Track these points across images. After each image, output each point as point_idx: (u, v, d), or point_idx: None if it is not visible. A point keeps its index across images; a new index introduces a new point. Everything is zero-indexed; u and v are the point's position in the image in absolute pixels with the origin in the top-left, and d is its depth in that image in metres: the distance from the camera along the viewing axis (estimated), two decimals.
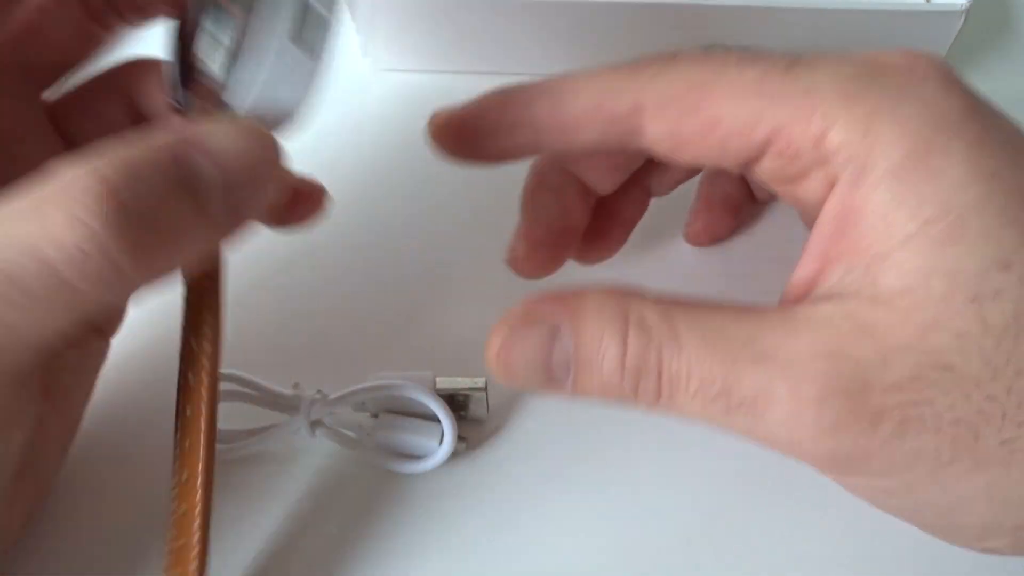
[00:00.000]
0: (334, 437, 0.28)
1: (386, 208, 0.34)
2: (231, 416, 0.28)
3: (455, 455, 0.28)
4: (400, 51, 0.38)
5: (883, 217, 0.20)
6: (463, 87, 0.37)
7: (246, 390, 0.28)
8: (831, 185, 0.21)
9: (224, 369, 0.27)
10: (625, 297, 0.21)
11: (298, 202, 0.26)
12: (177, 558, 0.23)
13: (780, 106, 0.21)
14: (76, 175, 0.19)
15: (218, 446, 0.27)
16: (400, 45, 0.37)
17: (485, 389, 0.28)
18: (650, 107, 0.23)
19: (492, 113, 0.25)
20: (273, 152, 0.22)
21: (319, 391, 0.28)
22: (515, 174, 0.36)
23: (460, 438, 0.28)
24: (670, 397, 0.21)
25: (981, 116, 0.21)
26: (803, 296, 0.22)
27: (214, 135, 0.21)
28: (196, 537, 0.23)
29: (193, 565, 0.23)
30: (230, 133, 0.21)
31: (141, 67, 0.27)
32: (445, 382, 0.28)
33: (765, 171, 0.23)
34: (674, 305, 0.21)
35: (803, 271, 0.22)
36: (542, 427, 0.29)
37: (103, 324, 0.27)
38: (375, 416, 0.28)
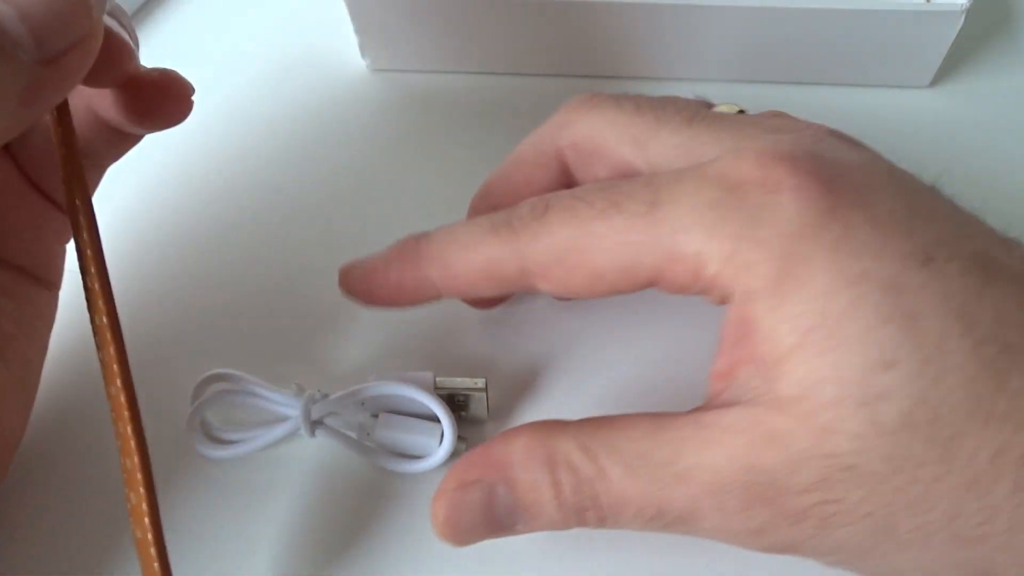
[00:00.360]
0: (334, 437, 0.28)
1: (384, 207, 0.34)
2: (230, 417, 0.29)
3: (455, 455, 0.28)
4: (398, 51, 0.38)
5: (770, 330, 0.21)
6: (462, 87, 0.38)
7: (245, 390, 0.28)
8: (724, 299, 0.23)
9: (222, 369, 0.27)
10: (547, 439, 0.23)
11: (156, 95, 0.26)
12: (132, 509, 0.23)
13: (650, 252, 0.23)
14: None
15: (218, 450, 0.28)
16: (398, 45, 0.37)
17: (485, 390, 0.28)
18: (537, 271, 0.24)
19: (392, 279, 0.26)
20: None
21: (319, 391, 0.28)
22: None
23: (460, 438, 0.28)
24: (615, 520, 0.23)
25: (843, 212, 0.21)
26: (722, 389, 0.23)
27: None
28: (142, 488, 0.23)
29: (139, 483, 0.23)
30: None
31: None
32: (445, 382, 0.28)
33: (668, 292, 0.24)
34: (595, 434, 0.23)
35: (719, 366, 0.23)
36: None
37: (39, 272, 0.27)
38: (375, 416, 0.28)
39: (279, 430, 0.28)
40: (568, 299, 0.31)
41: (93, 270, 0.24)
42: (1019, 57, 0.38)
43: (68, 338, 0.29)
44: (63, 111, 0.24)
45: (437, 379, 0.28)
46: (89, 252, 0.24)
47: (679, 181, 0.23)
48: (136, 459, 0.23)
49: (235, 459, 0.28)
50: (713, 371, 0.23)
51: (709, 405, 0.23)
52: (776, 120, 0.25)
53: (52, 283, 0.28)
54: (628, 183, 0.24)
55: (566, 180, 0.28)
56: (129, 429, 0.23)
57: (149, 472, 0.23)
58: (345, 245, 0.28)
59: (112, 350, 0.23)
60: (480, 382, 0.28)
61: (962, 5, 0.34)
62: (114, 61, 0.24)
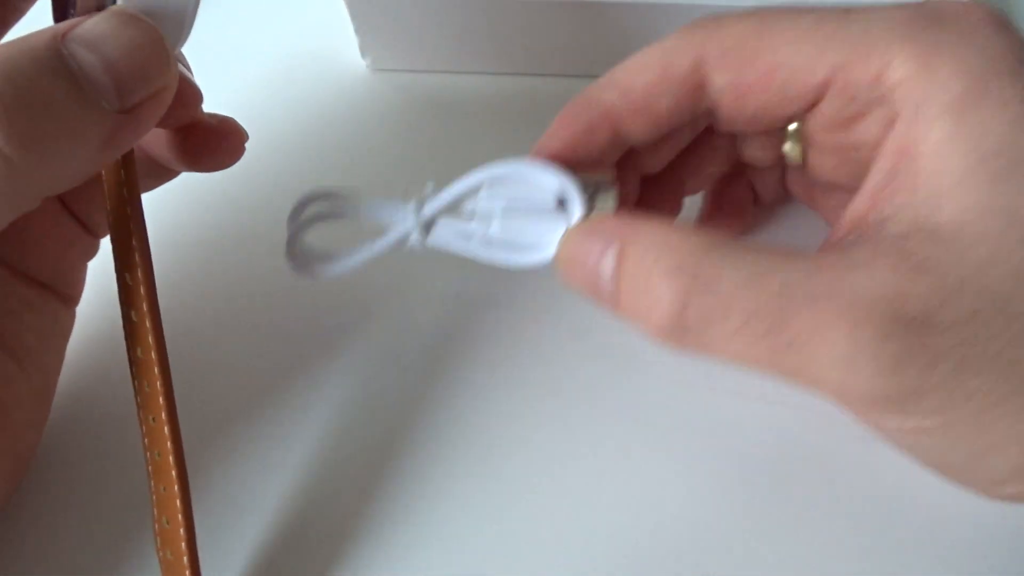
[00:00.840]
0: (450, 238, 0.25)
1: None
2: (322, 238, 0.26)
3: None
4: (398, 51, 0.37)
5: (940, 152, 0.20)
6: (461, 87, 0.38)
7: (346, 205, 0.25)
8: (889, 124, 0.22)
9: (318, 188, 0.26)
10: (672, 232, 0.22)
11: (212, 140, 0.26)
12: (161, 504, 0.23)
13: (838, 47, 0.22)
14: None
15: (327, 267, 0.26)
16: (398, 45, 0.37)
17: (614, 182, 0.25)
18: (711, 59, 0.23)
19: (568, 129, 0.25)
20: (155, 41, 0.21)
21: (429, 188, 0.25)
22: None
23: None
24: (705, 334, 0.21)
25: None
26: (852, 229, 0.22)
27: (93, 24, 0.21)
28: (174, 474, 0.23)
29: (178, 510, 0.23)
30: (109, 20, 0.21)
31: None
32: (567, 171, 0.25)
33: (824, 116, 0.23)
34: (728, 242, 0.21)
35: (857, 206, 0.22)
36: None
37: (62, 288, 0.27)
38: (487, 219, 0.25)
39: (391, 239, 0.25)
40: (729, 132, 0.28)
41: (145, 307, 0.24)
42: None
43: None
44: (128, 153, 0.24)
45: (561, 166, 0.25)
46: (142, 289, 0.24)
47: (876, 6, 0.22)
48: (176, 487, 0.23)
49: (344, 274, 0.26)
50: (846, 215, 0.22)
51: (848, 239, 0.21)
52: None
53: (73, 299, 0.28)
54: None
55: (694, 104, 0.25)
56: (171, 459, 0.23)
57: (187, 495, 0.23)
58: (346, 244, 0.28)
59: (160, 386, 0.24)
60: (608, 175, 0.25)
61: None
62: (182, 107, 0.25)
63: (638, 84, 0.24)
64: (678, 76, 0.24)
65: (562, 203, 0.24)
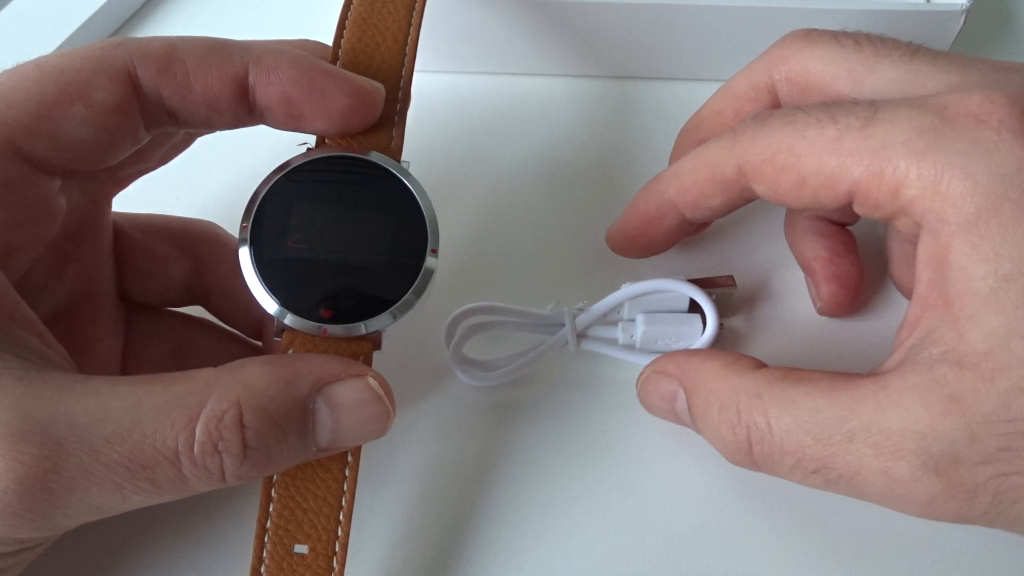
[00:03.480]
0: (600, 345, 0.29)
1: None
2: (476, 347, 0.30)
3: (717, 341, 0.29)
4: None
5: (964, 270, 0.21)
6: (462, 87, 0.38)
7: (504, 318, 0.29)
8: (919, 227, 0.22)
9: (477, 303, 0.29)
10: (731, 375, 0.24)
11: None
12: None
13: (856, 164, 0.23)
14: (219, 397, 0.21)
15: (486, 375, 0.29)
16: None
17: (734, 285, 0.30)
18: (750, 170, 0.25)
19: (641, 214, 0.29)
20: (384, 418, 0.24)
21: (579, 305, 0.29)
22: (518, 177, 0.36)
23: (720, 324, 0.29)
24: (769, 468, 0.24)
25: None
26: (908, 338, 0.23)
27: (347, 390, 0.23)
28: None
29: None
30: (360, 393, 0.23)
31: (210, 239, 0.29)
32: (697, 283, 0.29)
33: (862, 213, 0.24)
34: (774, 384, 0.23)
35: (911, 313, 0.23)
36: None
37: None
38: (632, 321, 0.29)
39: (546, 345, 0.29)
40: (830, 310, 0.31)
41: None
42: (1019, 57, 0.38)
43: None
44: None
45: (687, 279, 0.29)
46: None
47: (898, 105, 0.23)
48: None
49: (502, 382, 0.29)
50: (904, 320, 0.23)
51: (892, 362, 0.23)
52: (1003, 62, 0.25)
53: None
54: (850, 103, 0.24)
55: (744, 197, 0.27)
56: None
57: None
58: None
59: None
60: (729, 282, 0.30)
61: (962, 5, 0.34)
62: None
63: (693, 187, 0.27)
64: (724, 182, 0.26)
65: (693, 303, 0.29)
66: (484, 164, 0.36)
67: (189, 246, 0.29)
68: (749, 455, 0.24)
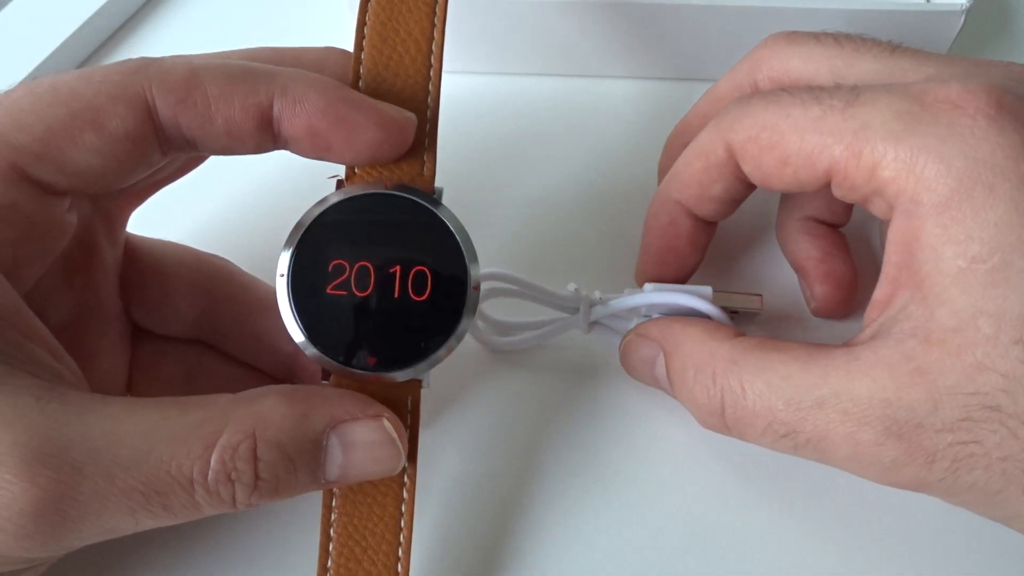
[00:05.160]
0: (611, 333, 0.30)
1: None
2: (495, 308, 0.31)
3: None
4: None
5: (935, 250, 0.22)
6: (462, 87, 0.38)
7: (524, 290, 0.29)
8: (891, 210, 0.23)
9: (499, 269, 0.29)
10: (709, 341, 0.25)
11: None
12: None
13: (836, 143, 0.23)
14: (235, 428, 0.21)
15: (502, 338, 0.31)
16: None
17: (760, 310, 0.30)
18: (736, 148, 0.26)
19: (656, 229, 0.30)
20: (394, 460, 0.24)
21: (600, 296, 0.29)
22: (523, 175, 0.36)
23: None
24: (740, 433, 0.25)
25: None
26: (878, 317, 0.23)
27: (363, 430, 0.23)
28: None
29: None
30: (373, 434, 0.23)
31: (224, 277, 0.29)
32: (722, 298, 0.29)
33: (839, 195, 0.25)
34: (749, 352, 0.24)
35: (880, 292, 0.24)
36: None
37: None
38: (647, 317, 0.29)
39: (560, 324, 0.30)
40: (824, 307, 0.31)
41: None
42: (1019, 57, 0.38)
43: None
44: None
45: (714, 294, 0.29)
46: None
47: (880, 90, 0.23)
48: None
49: (516, 349, 0.31)
50: (873, 299, 0.24)
51: (863, 337, 0.23)
52: (982, 59, 0.25)
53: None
54: (833, 86, 0.25)
55: (740, 183, 0.28)
56: None
57: None
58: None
59: None
60: (756, 302, 0.30)
61: (962, 5, 0.34)
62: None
63: (691, 179, 0.28)
64: (718, 165, 0.27)
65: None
66: (513, 167, 0.36)
67: (202, 283, 0.28)
68: (722, 418, 0.25)
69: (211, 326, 0.28)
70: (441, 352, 0.24)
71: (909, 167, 0.22)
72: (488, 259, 0.27)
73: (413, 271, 0.24)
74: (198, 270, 0.28)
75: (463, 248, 0.24)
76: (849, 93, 0.24)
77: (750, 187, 0.28)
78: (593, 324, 0.30)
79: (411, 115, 0.25)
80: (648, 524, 0.28)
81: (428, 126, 0.25)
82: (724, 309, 0.28)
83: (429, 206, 0.24)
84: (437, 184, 0.25)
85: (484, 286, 0.29)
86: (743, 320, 0.31)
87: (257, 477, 0.21)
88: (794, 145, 0.24)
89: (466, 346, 0.30)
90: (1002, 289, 0.21)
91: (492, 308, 0.30)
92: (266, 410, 0.22)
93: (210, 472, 0.21)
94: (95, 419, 0.21)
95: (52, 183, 0.23)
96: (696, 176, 0.28)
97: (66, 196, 0.24)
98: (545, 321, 0.30)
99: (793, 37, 0.28)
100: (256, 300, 0.28)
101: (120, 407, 0.21)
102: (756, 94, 0.26)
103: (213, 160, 0.28)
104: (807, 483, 0.28)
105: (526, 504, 0.28)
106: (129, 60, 0.24)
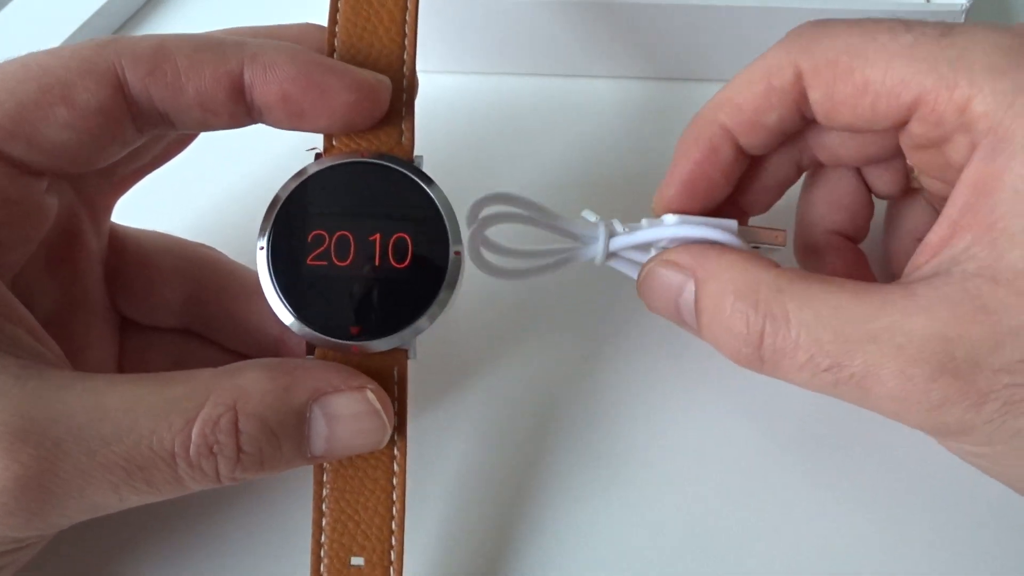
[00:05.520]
0: (628, 266, 0.27)
1: None
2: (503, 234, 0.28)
3: None
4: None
5: (1016, 192, 0.21)
6: (462, 87, 0.38)
7: (531, 213, 0.27)
8: (973, 150, 0.22)
9: (503, 191, 0.26)
10: (752, 268, 0.24)
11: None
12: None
13: (928, 72, 0.22)
14: (216, 400, 0.21)
15: (518, 261, 0.27)
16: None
17: (783, 244, 0.28)
18: (808, 73, 0.24)
19: (692, 153, 0.27)
20: (380, 431, 0.23)
21: (624, 226, 0.27)
22: (525, 173, 0.36)
23: None
24: (776, 364, 0.23)
25: None
26: (929, 260, 0.22)
27: (347, 401, 0.23)
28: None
29: None
30: (357, 406, 0.23)
31: (211, 266, 0.28)
32: (747, 232, 0.27)
33: (912, 135, 0.23)
34: (796, 281, 0.23)
35: (935, 235, 0.22)
36: None
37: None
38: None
39: (574, 252, 0.27)
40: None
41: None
42: None
43: None
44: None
45: (739, 228, 0.27)
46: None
47: (977, 25, 0.22)
48: None
49: (526, 277, 0.28)
50: (925, 242, 0.23)
51: (918, 275, 0.22)
52: None
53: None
54: (921, 21, 0.23)
55: (800, 114, 0.26)
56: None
57: None
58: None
59: None
60: (781, 235, 0.28)
61: (962, 5, 0.34)
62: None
63: (747, 102, 0.26)
64: (781, 90, 0.25)
65: None
66: (499, 165, 0.36)
67: (189, 271, 0.28)
68: (758, 350, 0.23)
69: (198, 314, 0.28)
70: (424, 320, 0.24)
71: (1009, 102, 0.21)
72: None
73: (393, 238, 0.24)
74: (183, 258, 0.28)
75: (443, 214, 0.24)
76: (944, 25, 0.22)
77: (807, 123, 0.26)
78: (611, 256, 0.27)
79: (384, 78, 0.24)
80: (648, 524, 0.28)
81: (405, 95, 0.25)
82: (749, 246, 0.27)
83: (408, 173, 0.24)
84: (417, 153, 0.25)
85: (486, 211, 0.27)
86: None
87: (239, 450, 0.21)
88: (879, 72, 0.23)
89: (464, 346, 0.30)
90: None
91: (496, 234, 0.27)
92: (247, 383, 0.22)
93: (191, 446, 0.21)
94: (75, 396, 0.21)
95: (26, 161, 0.23)
96: (754, 100, 0.26)
97: (43, 176, 0.24)
98: (557, 249, 0.27)
99: (832, 22, 0.25)
100: (242, 287, 0.28)
101: (101, 383, 0.21)
102: (836, 19, 0.24)
103: (206, 152, 0.28)
104: (807, 483, 0.28)
105: (526, 505, 0.28)
106: (99, 37, 0.24)
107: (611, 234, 0.27)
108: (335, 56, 0.25)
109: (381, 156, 0.25)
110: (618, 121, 0.37)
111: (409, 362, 0.25)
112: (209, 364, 0.27)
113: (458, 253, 0.24)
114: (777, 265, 0.24)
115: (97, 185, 0.27)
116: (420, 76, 0.26)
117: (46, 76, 0.22)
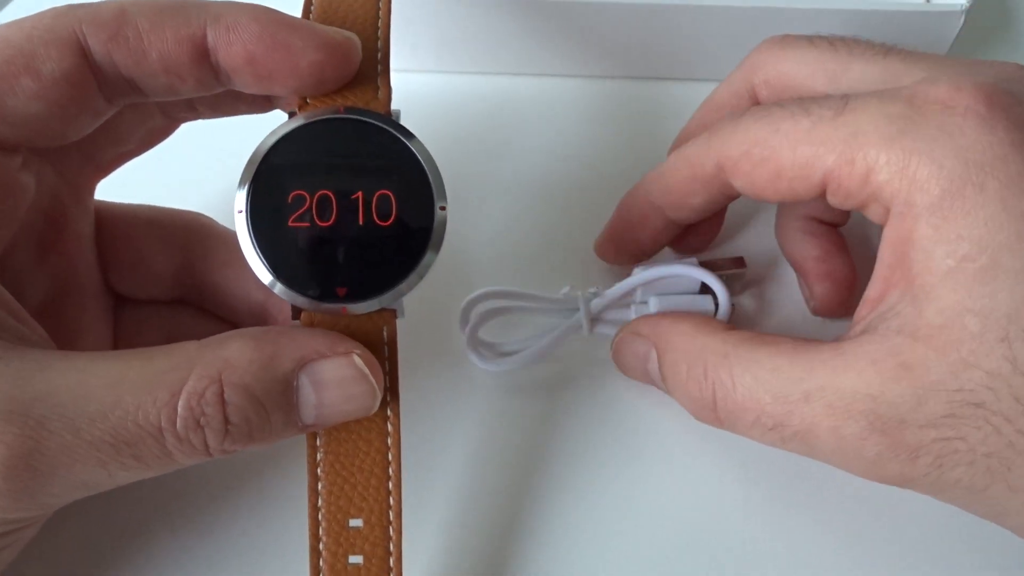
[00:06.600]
0: (613, 329, 0.29)
1: None
2: (491, 331, 0.30)
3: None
4: (399, 51, 0.38)
5: (926, 250, 0.22)
6: (462, 87, 0.38)
7: (518, 303, 0.29)
8: (887, 213, 0.23)
9: (491, 287, 0.29)
10: (699, 335, 0.26)
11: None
12: None
13: (828, 152, 0.23)
14: (200, 372, 0.21)
15: (504, 359, 0.29)
16: (399, 45, 0.37)
17: (744, 267, 0.31)
18: (728, 165, 0.26)
19: (626, 220, 0.30)
20: (369, 396, 0.23)
21: (593, 290, 0.29)
22: (483, 174, 0.36)
23: (731, 306, 0.29)
24: (731, 425, 0.25)
25: (1022, 152, 0.21)
26: (868, 314, 0.23)
27: (333, 367, 0.22)
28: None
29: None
30: (344, 370, 0.23)
31: (201, 231, 0.28)
32: (709, 265, 0.30)
33: (835, 203, 0.25)
34: (740, 345, 0.24)
35: (872, 291, 0.24)
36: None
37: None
38: (645, 303, 0.30)
39: (561, 330, 0.29)
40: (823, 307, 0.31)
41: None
42: (1019, 57, 0.38)
43: None
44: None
45: (700, 261, 0.30)
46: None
47: (870, 96, 0.23)
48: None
49: (519, 367, 0.30)
50: (864, 297, 0.24)
51: (851, 333, 0.23)
52: (974, 60, 0.25)
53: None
54: (823, 96, 0.25)
55: (724, 195, 0.28)
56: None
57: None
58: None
59: None
60: (740, 262, 0.31)
61: (962, 5, 0.34)
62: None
63: (675, 186, 0.28)
64: (704, 179, 0.27)
65: (705, 287, 0.29)
66: (488, 164, 0.36)
67: (178, 239, 0.28)
68: (714, 411, 0.25)
69: (190, 283, 0.28)
70: (413, 277, 0.23)
71: (902, 169, 0.22)
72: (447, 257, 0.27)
73: (376, 195, 0.23)
74: (172, 228, 0.28)
75: (426, 167, 0.23)
76: (838, 102, 0.24)
77: (731, 199, 0.28)
78: (595, 321, 0.29)
79: (352, 35, 0.24)
80: (648, 524, 0.28)
81: (380, 53, 0.25)
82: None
83: (387, 127, 0.24)
84: (394, 107, 0.24)
85: (476, 310, 0.29)
86: (730, 286, 0.30)
87: (227, 422, 0.21)
88: (787, 158, 0.24)
89: (462, 353, 0.30)
90: (990, 287, 0.21)
91: (488, 334, 0.30)
92: (232, 353, 0.22)
93: (178, 419, 0.21)
94: (58, 374, 0.20)
95: None
96: (679, 185, 0.28)
97: (16, 152, 0.23)
98: (544, 335, 0.30)
99: (787, 41, 0.28)
100: (232, 253, 0.28)
101: (84, 360, 0.21)
102: (747, 110, 0.26)
103: (198, 140, 0.28)
104: (807, 483, 0.28)
105: (526, 506, 0.28)
106: (58, 6, 0.23)
107: (588, 300, 0.29)
108: (311, 15, 0.25)
109: (356, 111, 0.24)
110: (600, 120, 0.37)
111: (398, 321, 0.24)
112: (203, 336, 0.27)
113: (443, 208, 0.23)
114: (729, 328, 0.26)
115: (81, 169, 0.26)
116: (398, 75, 0.25)
117: (8, 48, 0.22)
